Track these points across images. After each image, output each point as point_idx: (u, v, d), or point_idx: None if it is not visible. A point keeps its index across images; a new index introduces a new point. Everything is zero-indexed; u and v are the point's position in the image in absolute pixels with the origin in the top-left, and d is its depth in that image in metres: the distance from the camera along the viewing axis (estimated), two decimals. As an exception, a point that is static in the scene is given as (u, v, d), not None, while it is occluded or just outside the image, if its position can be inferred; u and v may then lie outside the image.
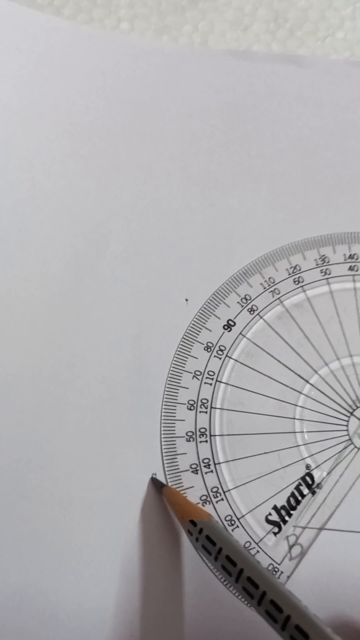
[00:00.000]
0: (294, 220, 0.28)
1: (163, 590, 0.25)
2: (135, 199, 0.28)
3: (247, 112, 0.29)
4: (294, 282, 0.28)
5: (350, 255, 0.28)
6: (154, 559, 0.25)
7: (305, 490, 0.26)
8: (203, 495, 0.26)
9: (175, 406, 0.26)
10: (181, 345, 0.27)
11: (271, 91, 0.30)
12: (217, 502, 0.25)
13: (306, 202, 0.28)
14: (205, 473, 0.26)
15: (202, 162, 0.29)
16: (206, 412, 0.26)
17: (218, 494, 0.26)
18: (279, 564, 0.25)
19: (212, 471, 0.26)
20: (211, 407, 0.26)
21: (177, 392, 0.26)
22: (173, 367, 0.27)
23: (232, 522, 0.25)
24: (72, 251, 0.28)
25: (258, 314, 0.27)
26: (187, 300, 0.27)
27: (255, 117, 0.29)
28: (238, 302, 0.27)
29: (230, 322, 0.27)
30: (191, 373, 0.27)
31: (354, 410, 0.26)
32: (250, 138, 0.29)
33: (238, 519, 0.25)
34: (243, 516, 0.25)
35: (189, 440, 0.26)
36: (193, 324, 0.27)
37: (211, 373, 0.27)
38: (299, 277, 0.28)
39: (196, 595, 0.25)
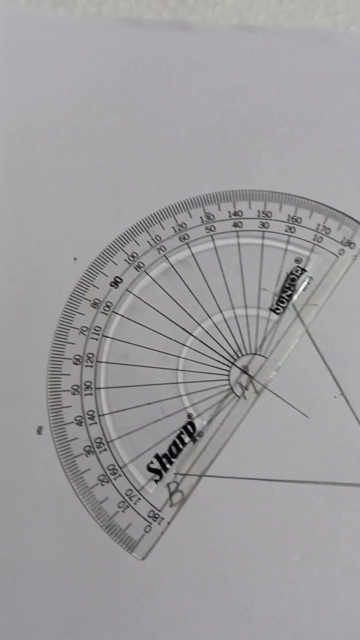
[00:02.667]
0: (181, 180, 0.29)
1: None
2: (25, 161, 0.29)
3: (137, 77, 0.30)
4: (180, 239, 0.28)
5: (234, 212, 0.28)
6: (38, 504, 0.25)
7: (187, 439, 0.26)
8: (87, 446, 0.26)
9: (61, 361, 0.27)
10: (68, 302, 0.27)
11: (160, 56, 0.30)
12: (100, 452, 0.26)
13: (193, 163, 0.29)
14: (90, 425, 0.26)
15: (92, 126, 0.30)
16: (92, 366, 0.27)
17: (101, 445, 0.26)
18: (160, 511, 0.25)
19: (96, 423, 0.26)
20: (97, 361, 0.27)
21: (64, 348, 0.27)
22: (60, 323, 0.27)
23: (115, 471, 0.26)
24: None
25: (144, 270, 0.28)
26: (75, 259, 0.28)
27: (145, 82, 0.30)
28: (125, 260, 0.28)
29: (117, 279, 0.28)
30: (78, 329, 0.27)
31: (235, 360, 0.27)
32: (139, 102, 0.30)
33: (120, 468, 0.26)
34: (125, 465, 0.26)
35: (74, 394, 0.27)
36: (80, 282, 0.28)
37: (97, 328, 0.27)
38: (184, 235, 0.28)
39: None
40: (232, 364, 0.27)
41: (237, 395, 0.26)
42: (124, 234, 0.28)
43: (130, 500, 0.26)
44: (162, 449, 0.26)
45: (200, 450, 0.26)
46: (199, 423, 0.26)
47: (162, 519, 0.25)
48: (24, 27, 0.31)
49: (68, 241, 0.28)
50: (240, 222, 0.28)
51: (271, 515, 0.25)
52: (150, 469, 0.26)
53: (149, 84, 0.30)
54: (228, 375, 0.27)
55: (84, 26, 0.31)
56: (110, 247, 0.28)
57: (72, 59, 0.30)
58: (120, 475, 0.26)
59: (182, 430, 0.26)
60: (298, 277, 0.27)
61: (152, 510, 0.25)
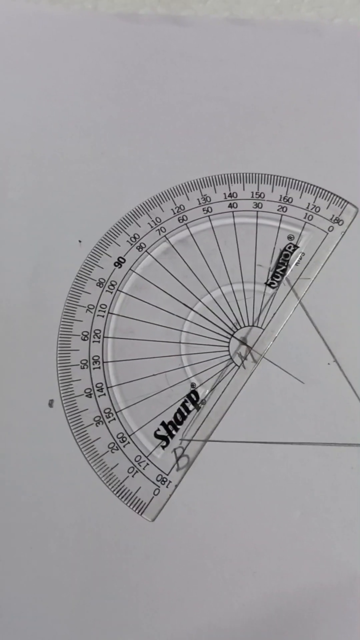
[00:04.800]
0: (179, 165, 0.30)
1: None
2: (31, 151, 0.31)
3: (135, 69, 0.32)
4: (179, 220, 0.30)
5: (230, 194, 0.30)
6: (51, 473, 0.27)
7: (191, 407, 0.28)
8: (96, 417, 0.28)
9: (70, 338, 0.28)
10: (75, 282, 0.29)
11: (156, 49, 0.32)
12: (109, 421, 0.28)
13: (190, 149, 0.31)
14: (99, 396, 0.28)
15: (93, 116, 0.31)
16: (99, 342, 0.28)
17: (110, 414, 0.28)
18: (167, 475, 0.27)
19: (104, 394, 0.28)
20: (103, 337, 0.28)
21: (72, 325, 0.28)
22: (67, 302, 0.29)
23: (124, 439, 0.27)
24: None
25: (146, 250, 0.29)
26: (80, 241, 0.29)
27: (142, 73, 0.32)
28: (128, 241, 0.30)
29: (120, 259, 0.29)
30: (85, 307, 0.29)
31: (234, 332, 0.28)
32: (138, 92, 0.31)
33: (129, 436, 0.27)
34: (134, 433, 0.27)
35: (83, 368, 0.28)
36: (86, 263, 0.29)
37: (103, 306, 0.29)
38: (183, 216, 0.30)
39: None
40: (232, 335, 0.28)
41: (236, 365, 0.28)
42: (126, 216, 0.30)
43: (139, 465, 0.27)
44: (168, 417, 0.28)
45: (204, 417, 0.28)
46: (201, 392, 0.28)
47: (170, 482, 0.27)
48: (24, 22, 0.32)
49: (73, 225, 0.30)
50: (235, 203, 0.30)
51: (272, 476, 0.27)
52: (157, 436, 0.27)
53: (146, 74, 0.32)
54: (228, 346, 0.28)
55: (82, 21, 0.32)
56: (113, 229, 0.30)
57: (71, 52, 0.32)
58: (128, 442, 0.27)
59: (186, 398, 0.28)
60: (291, 253, 0.29)
61: (160, 474, 0.27)
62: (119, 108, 0.31)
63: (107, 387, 0.28)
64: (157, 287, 0.29)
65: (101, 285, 0.29)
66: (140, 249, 0.29)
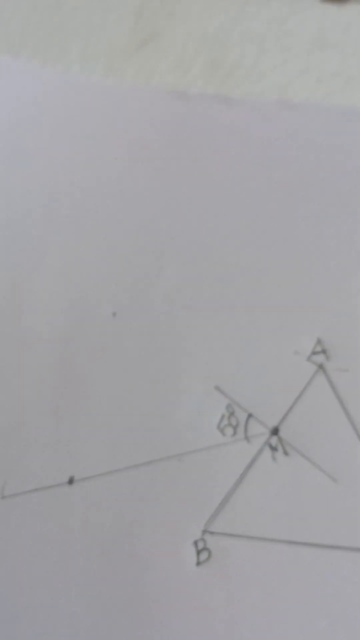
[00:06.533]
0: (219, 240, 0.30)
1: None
2: (74, 218, 0.31)
3: (181, 145, 0.32)
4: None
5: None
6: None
7: (216, 497, 0.26)
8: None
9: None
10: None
11: (204, 127, 0.32)
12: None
13: (229, 225, 0.30)
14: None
15: (137, 188, 0.31)
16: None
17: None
18: (187, 568, 0.26)
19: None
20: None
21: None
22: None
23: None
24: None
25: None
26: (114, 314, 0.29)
27: (188, 149, 0.32)
28: (162, 317, 0.29)
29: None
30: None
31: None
32: (182, 167, 0.32)
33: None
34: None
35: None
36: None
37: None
38: (220, 295, 0.29)
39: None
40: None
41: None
42: (163, 291, 0.29)
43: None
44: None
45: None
46: (228, 481, 0.27)
47: (189, 577, 0.26)
48: (78, 92, 0.33)
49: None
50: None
51: (299, 580, 0.25)
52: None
53: (192, 151, 0.32)
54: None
55: (133, 96, 0.33)
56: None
57: (120, 124, 0.32)
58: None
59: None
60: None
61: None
62: (163, 182, 0.31)
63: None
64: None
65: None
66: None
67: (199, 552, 0.26)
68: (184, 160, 0.32)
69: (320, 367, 0.28)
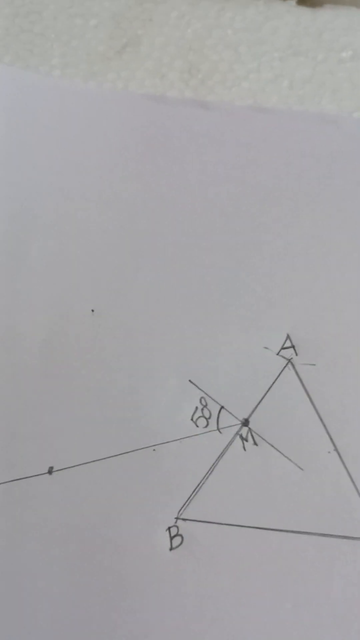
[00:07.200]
0: (194, 242, 0.31)
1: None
2: (54, 220, 0.32)
3: (159, 147, 0.33)
4: (191, 297, 0.30)
5: (242, 274, 0.31)
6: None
7: (189, 485, 0.28)
8: (94, 488, 0.28)
9: (75, 405, 0.29)
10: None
11: (180, 130, 0.33)
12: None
13: (206, 227, 0.32)
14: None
15: (115, 190, 0.32)
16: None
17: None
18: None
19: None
20: (108, 407, 0.29)
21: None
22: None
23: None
24: None
25: (156, 324, 0.30)
26: (93, 310, 0.30)
27: (165, 151, 0.33)
28: (139, 314, 0.30)
29: (131, 331, 0.30)
30: (92, 376, 0.29)
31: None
32: (160, 169, 0.33)
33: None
34: (130, 508, 0.27)
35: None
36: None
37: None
38: (195, 293, 0.31)
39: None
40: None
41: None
42: (140, 289, 0.31)
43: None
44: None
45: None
46: (201, 471, 0.28)
47: (162, 561, 0.27)
48: (59, 96, 0.34)
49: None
50: (247, 284, 0.31)
51: (266, 563, 0.27)
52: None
53: (169, 153, 0.33)
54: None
55: (112, 99, 0.34)
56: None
57: (99, 128, 0.33)
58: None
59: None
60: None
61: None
62: (141, 184, 0.33)
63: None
64: (165, 361, 0.29)
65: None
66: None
67: (172, 538, 0.27)
68: (161, 163, 0.33)
69: (289, 361, 0.29)
